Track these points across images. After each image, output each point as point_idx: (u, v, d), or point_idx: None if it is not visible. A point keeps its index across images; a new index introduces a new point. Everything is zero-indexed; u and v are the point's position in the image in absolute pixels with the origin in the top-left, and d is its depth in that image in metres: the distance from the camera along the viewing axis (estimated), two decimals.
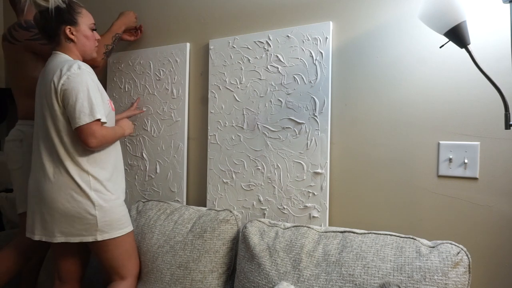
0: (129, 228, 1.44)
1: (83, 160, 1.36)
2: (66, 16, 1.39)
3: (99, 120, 1.33)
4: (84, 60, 1.47)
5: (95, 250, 1.41)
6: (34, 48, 1.66)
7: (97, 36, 1.51)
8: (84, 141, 1.31)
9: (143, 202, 1.68)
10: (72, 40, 1.42)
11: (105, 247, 1.39)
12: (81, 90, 1.31)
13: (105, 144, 1.37)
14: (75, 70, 1.33)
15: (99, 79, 1.44)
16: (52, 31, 1.40)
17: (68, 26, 1.40)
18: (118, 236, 1.39)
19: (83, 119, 1.30)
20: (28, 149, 1.66)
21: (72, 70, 1.32)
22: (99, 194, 1.36)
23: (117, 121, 1.60)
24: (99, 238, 1.36)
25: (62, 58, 1.40)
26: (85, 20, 1.45)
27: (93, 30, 1.48)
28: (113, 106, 1.50)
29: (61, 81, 1.31)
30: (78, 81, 1.32)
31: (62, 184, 1.34)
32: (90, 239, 1.36)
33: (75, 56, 1.44)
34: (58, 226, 1.35)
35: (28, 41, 1.64)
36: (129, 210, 1.66)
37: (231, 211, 1.44)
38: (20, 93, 1.73)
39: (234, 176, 1.58)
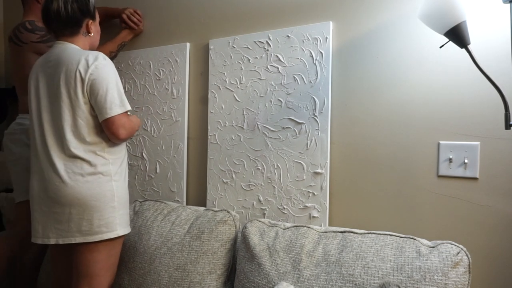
0: (128, 228, 1.40)
1: (105, 152, 1.33)
2: (91, 9, 1.40)
3: (127, 112, 1.33)
4: None
5: (78, 250, 1.32)
6: (39, 50, 1.68)
7: None
8: (114, 132, 1.29)
9: (140, 202, 1.68)
10: (89, 34, 1.42)
11: (94, 247, 1.31)
12: (111, 81, 1.29)
13: (131, 136, 1.36)
14: (102, 61, 1.30)
15: None
16: (77, 22, 1.36)
17: (90, 20, 1.41)
18: (118, 239, 1.36)
19: (115, 109, 1.28)
20: (21, 142, 1.68)
21: (99, 60, 1.30)
22: (118, 184, 1.34)
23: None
24: (121, 232, 1.34)
25: (75, 49, 1.35)
26: (97, 15, 1.47)
27: None
28: None
29: (89, 71, 1.27)
30: (107, 71, 1.30)
31: (86, 181, 1.29)
32: (112, 235, 1.31)
33: (84, 48, 1.42)
34: (76, 224, 1.29)
35: (34, 44, 1.67)
36: None
37: (229, 212, 1.44)
38: (23, 91, 1.73)
39: (234, 176, 1.58)
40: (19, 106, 1.77)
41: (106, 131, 1.30)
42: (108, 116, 1.28)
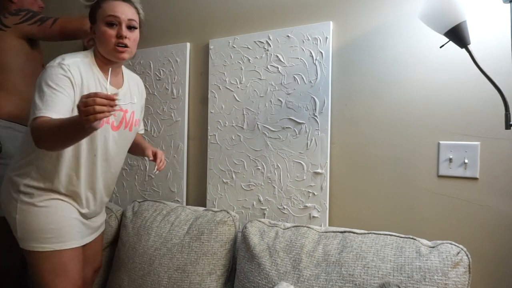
0: (59, 245, 1.24)
1: (24, 156, 1.25)
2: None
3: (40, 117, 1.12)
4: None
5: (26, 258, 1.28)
6: (22, 31, 1.63)
7: None
8: (34, 140, 1.11)
9: (139, 202, 1.67)
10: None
11: (29, 257, 1.24)
12: (44, 83, 1.14)
13: (41, 139, 1.10)
14: (49, 65, 1.18)
15: None
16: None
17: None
18: (41, 251, 1.22)
19: (34, 114, 1.11)
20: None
21: (47, 66, 1.18)
22: (28, 193, 1.23)
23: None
24: (20, 244, 1.25)
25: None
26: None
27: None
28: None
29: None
30: (48, 73, 1.15)
31: (4, 176, 1.31)
32: (20, 243, 1.24)
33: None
34: None
35: (17, 25, 1.62)
36: (125, 211, 1.64)
37: (228, 212, 1.44)
38: None
39: (234, 176, 1.58)
40: None
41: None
42: (31, 120, 1.12)
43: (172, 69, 1.75)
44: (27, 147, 1.25)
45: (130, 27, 1.25)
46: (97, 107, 0.90)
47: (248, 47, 1.55)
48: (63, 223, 1.26)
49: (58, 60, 1.19)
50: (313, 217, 1.41)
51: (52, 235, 1.24)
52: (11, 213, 1.24)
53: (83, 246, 1.33)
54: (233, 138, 1.58)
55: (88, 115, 0.91)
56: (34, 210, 1.24)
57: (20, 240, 1.25)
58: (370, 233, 1.20)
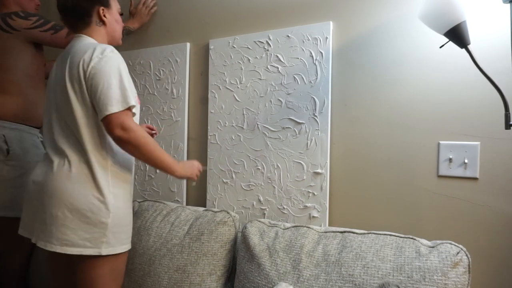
0: (129, 245, 1.29)
1: (107, 155, 1.21)
2: None
3: (130, 109, 1.18)
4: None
5: (79, 266, 1.21)
6: (33, 37, 1.63)
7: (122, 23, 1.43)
8: (111, 131, 1.14)
9: (139, 202, 1.67)
10: (103, 23, 1.31)
11: (98, 262, 1.20)
12: (114, 75, 1.17)
13: (133, 141, 1.15)
14: (108, 53, 1.18)
15: None
16: (84, 11, 1.27)
17: (102, 7, 1.29)
18: (120, 253, 1.24)
19: (114, 106, 1.14)
20: (6, 157, 1.61)
21: (105, 53, 1.18)
22: (116, 198, 1.21)
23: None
24: (104, 252, 1.18)
25: (88, 41, 1.26)
26: (115, 3, 1.36)
27: (120, 15, 1.39)
28: (138, 97, 1.35)
29: (92, 63, 1.16)
30: (111, 64, 1.18)
31: (80, 176, 1.18)
32: (91, 251, 1.16)
33: (103, 41, 1.31)
34: (58, 230, 1.16)
35: (28, 30, 1.62)
36: None
37: (228, 212, 1.43)
38: None
39: (234, 176, 1.58)
40: None
41: (106, 130, 1.18)
42: (107, 114, 1.14)
43: (172, 69, 1.75)
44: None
45: None
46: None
47: (248, 47, 1.55)
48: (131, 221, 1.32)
49: (109, 48, 1.22)
50: (313, 217, 1.41)
51: (129, 234, 1.28)
52: (101, 217, 1.17)
53: None
54: (233, 138, 1.58)
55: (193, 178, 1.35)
56: (124, 212, 1.24)
57: (105, 244, 1.18)
58: (370, 233, 1.20)
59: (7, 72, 1.64)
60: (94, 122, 1.20)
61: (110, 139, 1.21)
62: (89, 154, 1.19)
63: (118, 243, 1.22)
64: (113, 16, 1.34)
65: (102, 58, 1.17)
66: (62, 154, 1.22)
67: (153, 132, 1.57)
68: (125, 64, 1.25)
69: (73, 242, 1.16)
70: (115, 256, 1.22)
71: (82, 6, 1.26)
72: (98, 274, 1.21)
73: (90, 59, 1.17)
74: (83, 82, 1.18)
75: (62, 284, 1.34)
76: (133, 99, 1.19)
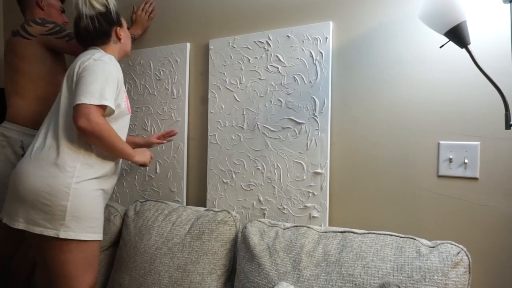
0: (99, 235, 1.33)
1: (82, 144, 1.29)
2: (116, 17, 1.43)
3: (102, 107, 1.25)
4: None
5: (48, 248, 1.26)
6: (48, 43, 1.67)
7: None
8: (75, 119, 1.21)
9: (141, 202, 1.67)
10: (120, 40, 1.46)
11: (64, 247, 1.25)
12: (100, 76, 1.26)
13: (96, 133, 1.22)
14: (105, 59, 1.31)
15: None
16: (107, 33, 1.41)
17: (118, 27, 1.44)
18: (88, 241, 1.28)
19: (87, 98, 1.21)
20: (5, 157, 1.62)
21: (103, 58, 1.30)
22: (81, 185, 1.26)
23: (135, 144, 1.62)
24: (62, 235, 1.23)
25: (97, 51, 1.38)
26: (123, 20, 1.50)
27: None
28: (129, 107, 1.46)
29: (86, 63, 1.28)
30: (103, 68, 1.28)
31: (44, 160, 1.26)
32: (50, 232, 1.22)
33: (114, 54, 1.44)
34: (22, 209, 1.24)
35: (43, 36, 1.65)
36: (127, 210, 1.65)
37: (229, 212, 1.44)
38: (14, 91, 1.68)
39: (234, 176, 1.58)
40: (7, 112, 1.68)
41: (72, 119, 1.24)
42: (77, 103, 1.21)
43: (172, 69, 1.76)
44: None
45: None
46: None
47: (248, 47, 1.56)
48: (102, 214, 1.36)
49: (107, 56, 1.35)
50: (313, 217, 1.41)
51: (95, 224, 1.31)
52: (61, 200, 1.23)
53: None
54: (233, 138, 1.58)
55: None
56: (87, 198, 1.28)
57: (64, 227, 1.24)
58: (370, 233, 1.20)
59: (25, 77, 1.67)
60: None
61: None
62: (60, 140, 1.28)
63: (80, 229, 1.26)
64: (125, 32, 1.49)
65: (97, 60, 1.29)
66: (38, 140, 1.33)
67: (172, 134, 1.66)
68: (120, 75, 1.35)
69: (35, 221, 1.24)
70: (84, 243, 1.28)
71: (104, 30, 1.40)
72: (67, 259, 1.26)
73: (87, 60, 1.29)
74: (75, 78, 1.29)
75: (43, 265, 1.41)
76: (111, 102, 1.26)
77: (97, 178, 1.33)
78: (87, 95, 1.22)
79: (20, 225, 1.25)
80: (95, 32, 1.39)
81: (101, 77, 1.26)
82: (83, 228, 1.27)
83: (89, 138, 1.25)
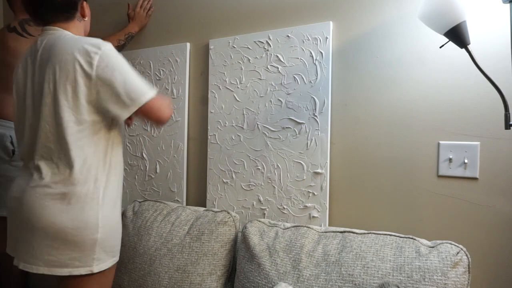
0: (118, 255, 1.22)
1: (100, 163, 1.12)
2: None
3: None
4: None
5: (68, 283, 1.12)
6: None
7: None
8: (159, 118, 1.12)
9: (139, 202, 1.67)
10: (83, 18, 1.24)
11: (93, 280, 1.12)
12: (124, 67, 1.10)
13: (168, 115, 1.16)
14: (105, 48, 1.09)
15: None
16: (73, 6, 1.19)
17: (84, 1, 1.23)
18: (111, 266, 1.17)
19: (149, 93, 1.10)
20: None
21: (103, 49, 1.09)
22: (107, 210, 1.12)
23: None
24: (96, 269, 1.10)
25: (69, 36, 1.13)
26: None
27: None
28: None
29: (95, 63, 1.06)
30: (115, 57, 1.10)
31: (57, 187, 1.08)
32: (82, 271, 1.08)
33: (80, 35, 1.23)
34: (42, 251, 1.06)
35: None
36: (125, 211, 1.64)
37: (229, 212, 1.44)
38: (3, 86, 1.67)
39: (234, 176, 1.58)
40: None
41: (148, 119, 1.14)
42: (145, 101, 1.09)
43: (172, 69, 1.76)
44: (104, 152, 1.16)
45: None
46: None
47: (248, 47, 1.56)
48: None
49: (101, 43, 1.11)
50: (313, 217, 1.41)
51: (118, 246, 1.22)
52: (91, 234, 1.08)
53: None
54: (233, 138, 1.58)
55: None
56: (115, 224, 1.17)
57: (96, 260, 1.11)
58: (370, 233, 1.20)
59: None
60: (90, 124, 1.11)
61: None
62: (74, 162, 1.08)
63: (108, 256, 1.15)
64: (88, 10, 1.28)
65: (102, 54, 1.08)
66: (42, 167, 1.11)
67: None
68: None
69: (61, 262, 1.07)
70: (110, 269, 1.18)
71: (70, 2, 1.18)
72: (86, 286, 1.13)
73: (91, 58, 1.07)
74: (82, 82, 1.06)
75: None
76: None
77: (117, 194, 1.20)
78: (142, 90, 1.09)
79: (41, 269, 1.07)
80: (60, 3, 1.15)
81: (126, 68, 1.11)
82: (110, 254, 1.16)
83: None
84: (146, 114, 1.12)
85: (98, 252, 1.11)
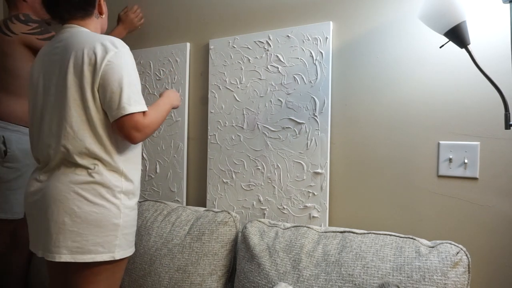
0: (134, 247, 1.22)
1: (117, 156, 1.13)
2: None
3: (143, 112, 1.12)
4: None
5: (81, 272, 1.11)
6: (30, 42, 1.64)
7: None
8: (125, 134, 1.08)
9: (139, 202, 1.66)
10: (101, 15, 1.25)
11: (114, 268, 1.14)
12: (131, 73, 1.10)
13: (150, 134, 1.14)
14: (121, 47, 1.11)
15: None
16: (90, 3, 1.19)
17: None
18: (124, 259, 1.17)
19: (134, 107, 1.07)
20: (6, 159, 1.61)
21: (120, 47, 1.10)
22: (127, 198, 1.15)
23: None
24: (117, 256, 1.11)
25: (85, 32, 1.15)
26: None
27: None
28: None
29: (107, 57, 1.07)
30: (126, 60, 1.11)
31: (83, 178, 1.09)
32: (106, 257, 1.09)
33: (97, 32, 1.24)
34: (66, 237, 1.07)
35: (25, 35, 1.63)
36: None
37: (229, 212, 1.43)
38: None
39: (234, 176, 1.58)
40: None
41: (118, 133, 1.11)
42: (124, 114, 1.06)
43: (172, 69, 1.76)
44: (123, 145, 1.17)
45: None
46: None
47: (248, 47, 1.56)
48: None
49: (120, 42, 1.13)
50: (313, 217, 1.41)
51: (134, 236, 1.21)
52: (113, 218, 1.11)
53: None
54: (233, 138, 1.58)
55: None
56: (133, 211, 1.18)
57: (118, 247, 1.12)
58: (370, 233, 1.20)
59: (10, 75, 1.66)
60: (102, 122, 1.12)
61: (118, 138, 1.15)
62: (100, 156, 1.11)
63: (128, 245, 1.17)
64: (106, 7, 1.29)
65: (118, 52, 1.10)
66: (49, 151, 1.14)
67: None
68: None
69: (84, 248, 1.08)
70: (124, 259, 1.17)
71: None
72: (98, 279, 1.13)
73: (106, 53, 1.08)
74: (90, 79, 1.08)
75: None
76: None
77: (136, 185, 1.22)
78: (130, 101, 1.07)
79: (64, 257, 1.07)
80: (77, 1, 1.16)
81: (132, 75, 1.11)
82: (129, 244, 1.18)
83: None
84: (118, 126, 1.09)
85: (119, 238, 1.12)
